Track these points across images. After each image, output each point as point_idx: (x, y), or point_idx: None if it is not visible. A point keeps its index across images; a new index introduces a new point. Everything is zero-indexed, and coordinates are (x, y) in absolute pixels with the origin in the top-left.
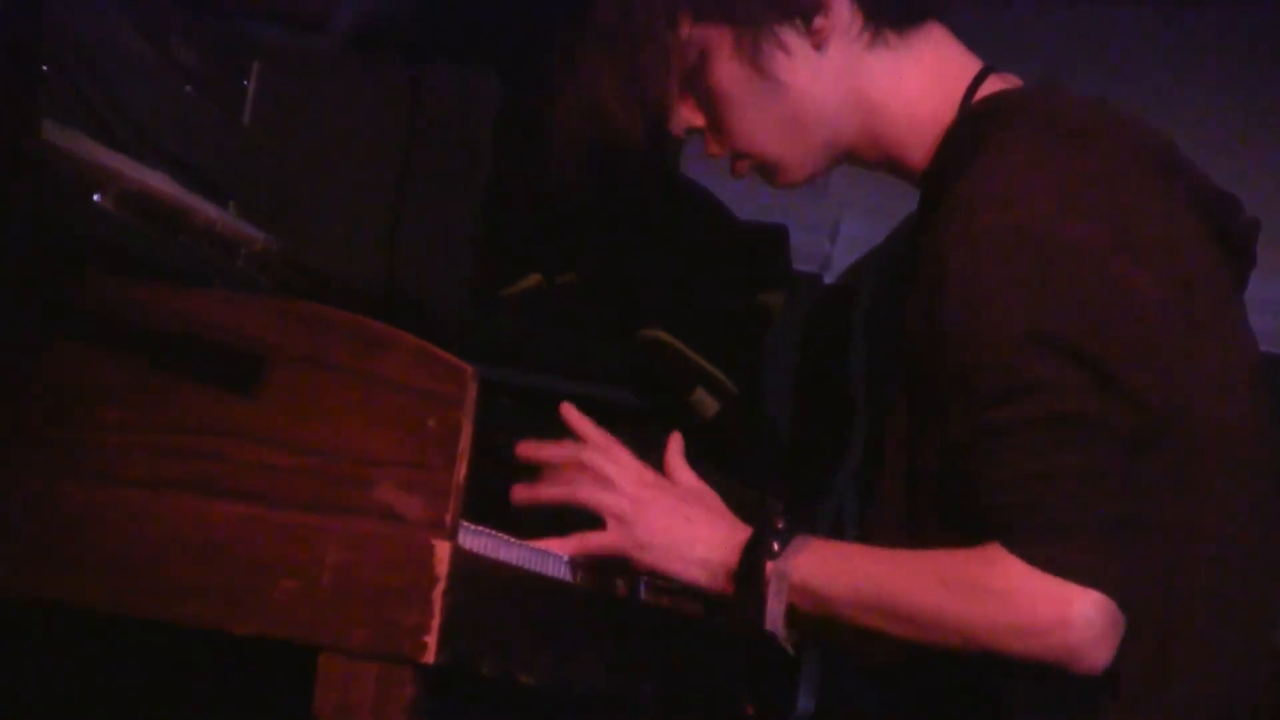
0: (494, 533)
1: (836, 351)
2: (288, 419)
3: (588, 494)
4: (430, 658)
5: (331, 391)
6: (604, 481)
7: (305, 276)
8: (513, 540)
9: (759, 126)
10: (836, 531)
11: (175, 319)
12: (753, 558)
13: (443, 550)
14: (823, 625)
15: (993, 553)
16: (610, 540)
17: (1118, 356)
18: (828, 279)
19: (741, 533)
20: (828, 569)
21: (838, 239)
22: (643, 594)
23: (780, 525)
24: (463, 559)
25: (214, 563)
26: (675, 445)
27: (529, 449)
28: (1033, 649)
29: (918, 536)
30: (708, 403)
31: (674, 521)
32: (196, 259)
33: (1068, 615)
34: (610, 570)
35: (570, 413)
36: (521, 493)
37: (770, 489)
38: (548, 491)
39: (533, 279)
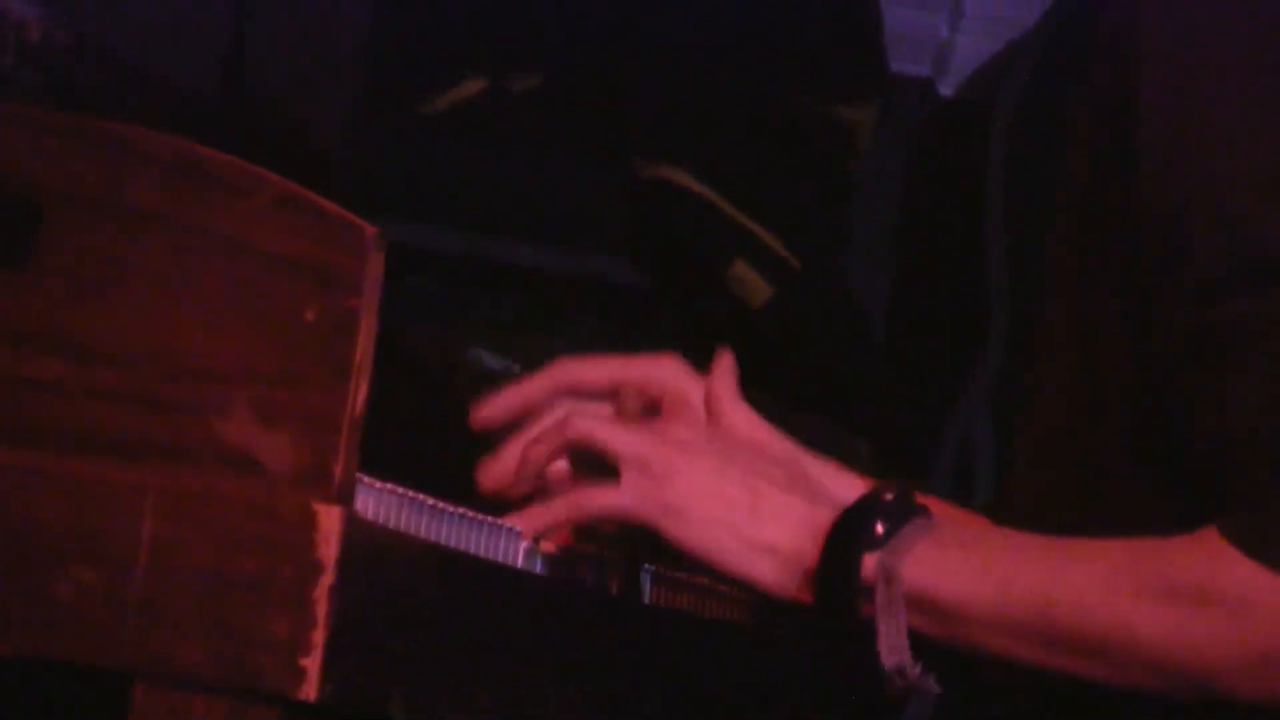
0: (412, 493)
1: (961, 201)
2: (76, 308)
3: (588, 427)
4: (310, 692)
5: (146, 263)
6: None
7: (107, 78)
8: (443, 506)
9: None
10: (962, 482)
11: None
12: (845, 546)
13: (329, 520)
14: (948, 654)
15: (1211, 541)
16: (624, 499)
17: None
18: (945, 88)
19: (827, 509)
20: (959, 568)
21: (962, 20)
22: (647, 590)
23: (889, 496)
24: (361, 535)
25: None
26: (724, 370)
27: (489, 410)
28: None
29: (1096, 494)
30: (753, 283)
31: (726, 482)
32: None
33: None
34: (595, 556)
35: (485, 415)
36: (490, 464)
37: (856, 421)
38: (534, 449)
39: (470, 85)
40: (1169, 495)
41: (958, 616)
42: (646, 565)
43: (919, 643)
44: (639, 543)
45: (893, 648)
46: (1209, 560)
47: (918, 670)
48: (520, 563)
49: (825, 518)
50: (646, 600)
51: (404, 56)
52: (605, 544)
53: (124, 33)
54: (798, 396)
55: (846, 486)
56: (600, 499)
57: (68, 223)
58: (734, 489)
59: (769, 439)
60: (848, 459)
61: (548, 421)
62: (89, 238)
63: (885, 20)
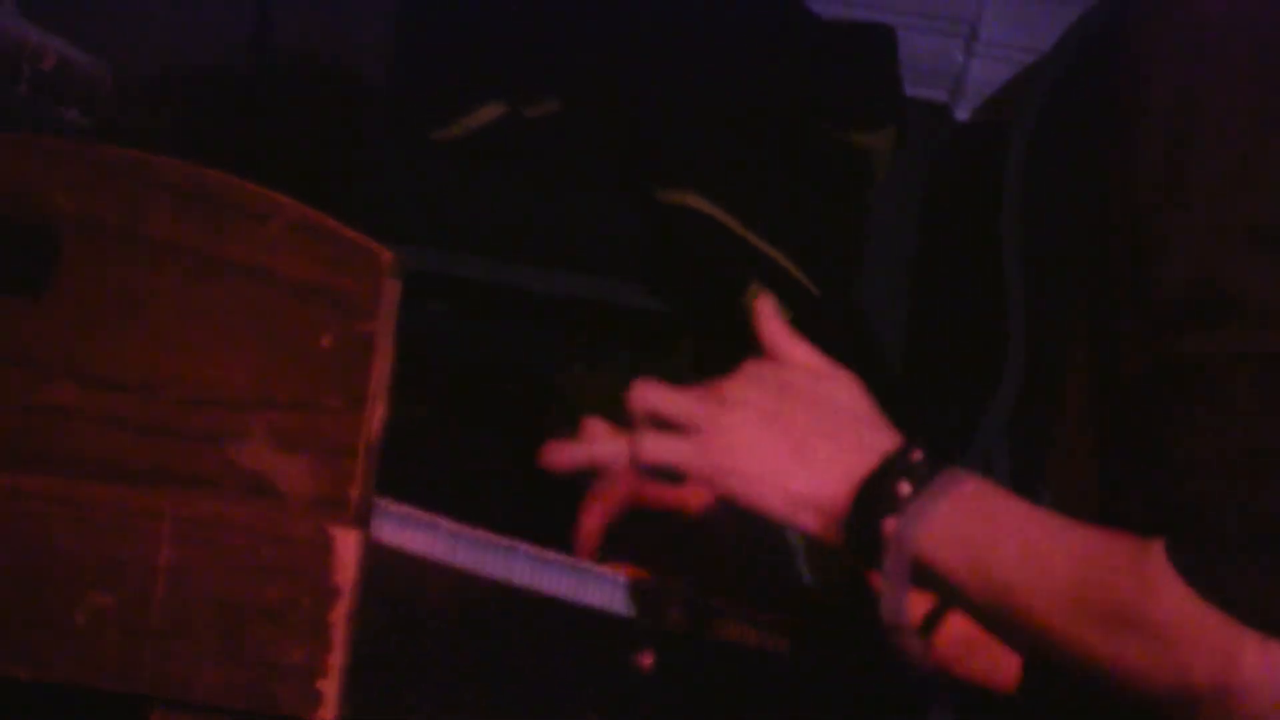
0: (429, 517)
1: (978, 227)
2: (93, 335)
3: (641, 392)
4: (327, 716)
5: (162, 290)
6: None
7: (123, 105)
8: (461, 529)
9: None
10: None
11: None
12: (867, 508)
13: (346, 545)
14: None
15: (1153, 568)
16: (674, 454)
17: None
18: (961, 113)
19: (869, 457)
20: (955, 539)
21: (978, 46)
22: (670, 615)
23: (917, 455)
24: (378, 559)
25: None
26: (770, 313)
27: (561, 455)
28: (1188, 713)
29: (1114, 517)
30: None
31: (771, 436)
32: None
33: (1232, 677)
34: (613, 580)
35: (559, 459)
36: (554, 452)
37: None
38: (593, 448)
39: (489, 110)
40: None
41: (942, 587)
42: (671, 589)
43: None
44: (665, 568)
45: (890, 608)
46: (1147, 582)
47: (913, 634)
48: (546, 586)
49: (863, 468)
50: (670, 625)
51: (424, 84)
52: (627, 568)
53: (143, 61)
54: None
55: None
56: (652, 447)
57: (85, 250)
58: (779, 442)
59: (826, 376)
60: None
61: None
62: (106, 265)
63: (902, 46)
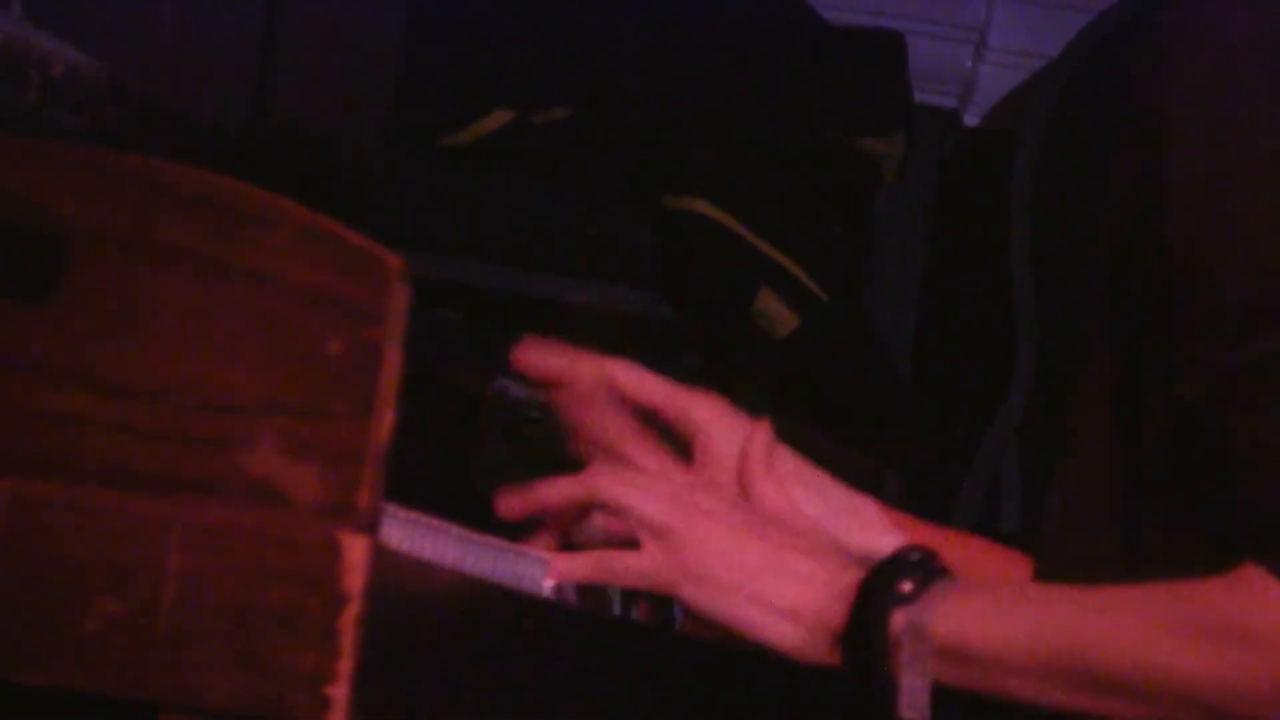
0: (438, 522)
1: (986, 233)
2: (102, 342)
3: (612, 492)
4: None
5: (171, 297)
6: (639, 474)
7: (130, 113)
8: (470, 534)
9: None
10: (989, 515)
11: None
12: (872, 604)
13: (355, 550)
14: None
15: (1249, 578)
16: (645, 566)
17: None
18: (970, 118)
19: (852, 572)
20: (989, 617)
21: (987, 52)
22: (678, 619)
23: (915, 556)
24: (387, 565)
25: None
26: (759, 440)
27: (530, 356)
28: None
29: (1133, 539)
30: (779, 314)
31: (746, 549)
32: None
33: None
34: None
35: (532, 358)
36: (509, 501)
37: (883, 453)
38: (548, 491)
39: (497, 118)
40: (1207, 535)
41: (990, 664)
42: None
43: (942, 697)
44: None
45: (913, 704)
46: (1246, 597)
47: None
48: (547, 592)
49: (850, 579)
50: (676, 629)
51: (433, 90)
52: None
53: (151, 67)
54: (824, 427)
55: (877, 538)
56: (623, 564)
57: (93, 257)
58: (754, 556)
59: (797, 504)
60: (875, 492)
61: (578, 475)
62: (114, 272)
63: (911, 52)
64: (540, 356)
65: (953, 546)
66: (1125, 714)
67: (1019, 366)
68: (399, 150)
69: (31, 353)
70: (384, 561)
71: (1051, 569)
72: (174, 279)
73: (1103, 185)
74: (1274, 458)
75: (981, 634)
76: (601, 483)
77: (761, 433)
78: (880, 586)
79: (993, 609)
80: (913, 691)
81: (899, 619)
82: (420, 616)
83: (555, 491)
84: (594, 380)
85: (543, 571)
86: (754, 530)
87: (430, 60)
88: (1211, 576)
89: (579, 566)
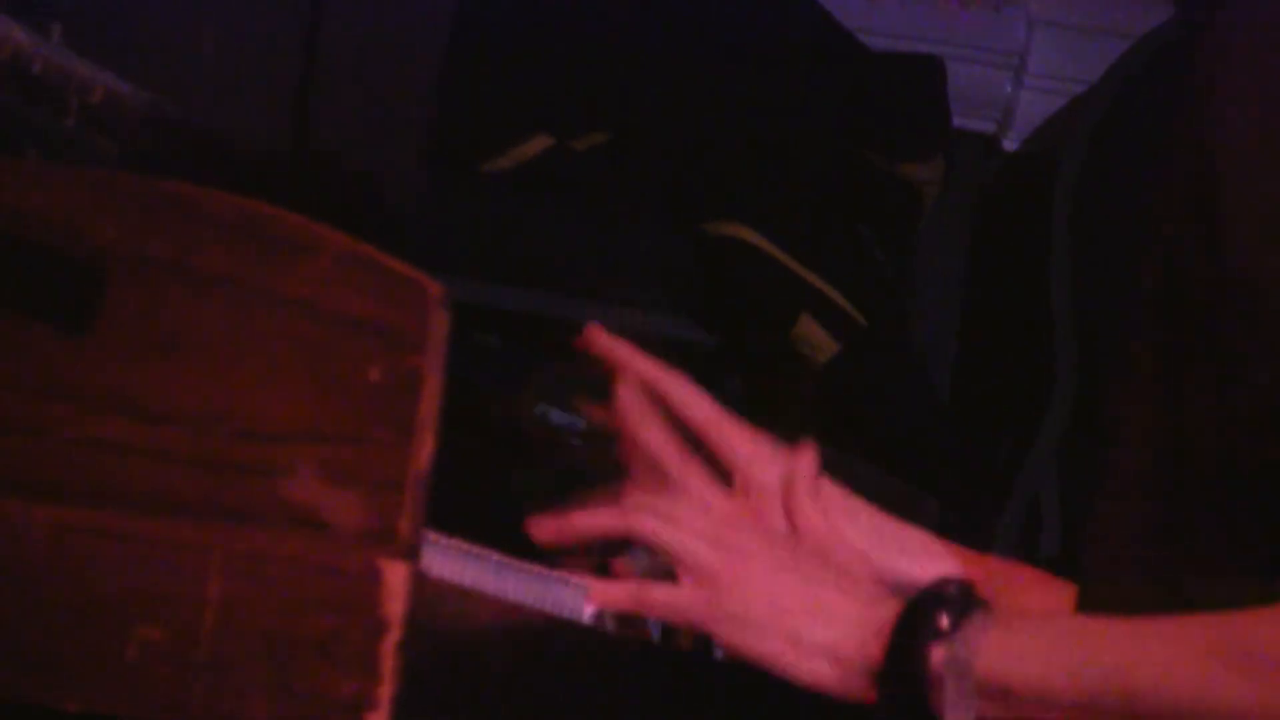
0: (478, 549)
1: (1026, 258)
2: (142, 369)
3: (651, 529)
4: None
5: (211, 324)
6: (679, 510)
7: (170, 139)
8: (510, 561)
9: None
10: (1027, 547)
11: None
12: (910, 641)
13: (395, 577)
14: None
15: None
16: (682, 602)
17: None
18: (1010, 143)
19: (890, 607)
20: (1031, 651)
21: (1026, 77)
22: (718, 646)
23: (951, 589)
24: (427, 592)
25: (29, 602)
26: (805, 470)
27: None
28: None
29: (1178, 559)
30: (819, 340)
31: (782, 588)
32: None
33: None
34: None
35: (601, 340)
36: (543, 525)
37: (923, 478)
38: (587, 522)
39: (536, 143)
40: (1255, 560)
41: (1035, 699)
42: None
43: None
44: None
45: None
46: None
47: None
48: (587, 619)
49: (886, 615)
50: (718, 656)
51: (472, 115)
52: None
53: (190, 93)
54: (864, 452)
55: (925, 567)
56: (661, 597)
57: (134, 284)
58: (792, 595)
59: (842, 535)
60: (915, 517)
61: (617, 508)
62: (155, 299)
63: (950, 77)
64: (607, 339)
65: (994, 575)
66: None
67: (1059, 391)
68: (438, 176)
69: (72, 380)
70: (424, 588)
71: (1094, 598)
72: (214, 306)
73: (1147, 213)
74: None
75: (1023, 669)
76: (639, 519)
77: (806, 462)
78: (917, 622)
79: (1035, 642)
80: None
81: (938, 655)
82: (460, 643)
83: (594, 523)
84: (648, 383)
85: (582, 599)
86: (792, 568)
87: (470, 85)
88: (1262, 608)
89: (618, 595)
